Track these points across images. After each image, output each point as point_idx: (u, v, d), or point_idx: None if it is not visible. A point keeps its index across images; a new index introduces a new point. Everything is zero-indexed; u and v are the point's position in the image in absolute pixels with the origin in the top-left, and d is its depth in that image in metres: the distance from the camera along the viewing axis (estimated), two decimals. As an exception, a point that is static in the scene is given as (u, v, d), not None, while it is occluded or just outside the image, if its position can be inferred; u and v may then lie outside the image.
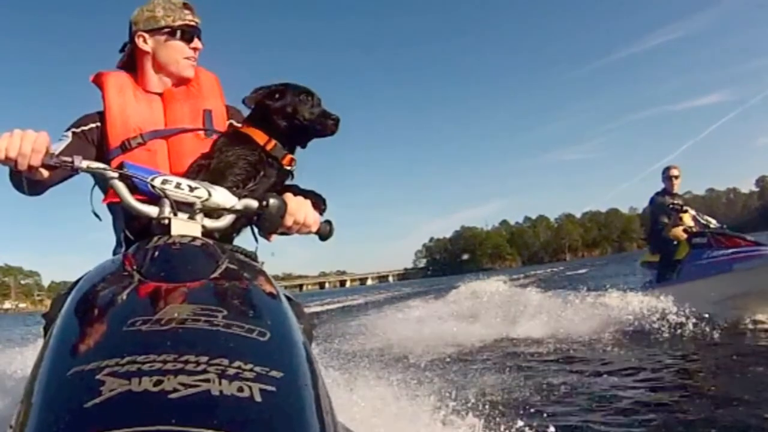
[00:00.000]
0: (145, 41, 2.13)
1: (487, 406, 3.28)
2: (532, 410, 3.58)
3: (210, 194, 1.60)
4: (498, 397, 3.98)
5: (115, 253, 1.99)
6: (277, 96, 1.92)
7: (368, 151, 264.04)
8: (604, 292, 8.57)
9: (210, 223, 1.62)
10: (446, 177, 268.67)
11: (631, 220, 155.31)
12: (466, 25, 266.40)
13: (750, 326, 6.49)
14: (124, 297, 1.13)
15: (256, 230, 1.86)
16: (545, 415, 3.43)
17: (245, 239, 1.90)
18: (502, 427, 2.93)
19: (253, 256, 1.72)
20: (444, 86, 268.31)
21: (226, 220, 1.67)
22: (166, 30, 2.11)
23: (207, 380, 0.84)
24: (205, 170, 1.87)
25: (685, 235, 8.37)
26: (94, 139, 2.04)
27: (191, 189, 1.59)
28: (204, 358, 0.88)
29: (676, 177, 8.80)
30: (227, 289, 1.22)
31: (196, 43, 2.14)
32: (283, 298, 1.32)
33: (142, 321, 0.98)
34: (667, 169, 8.91)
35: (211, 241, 1.47)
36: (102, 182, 1.97)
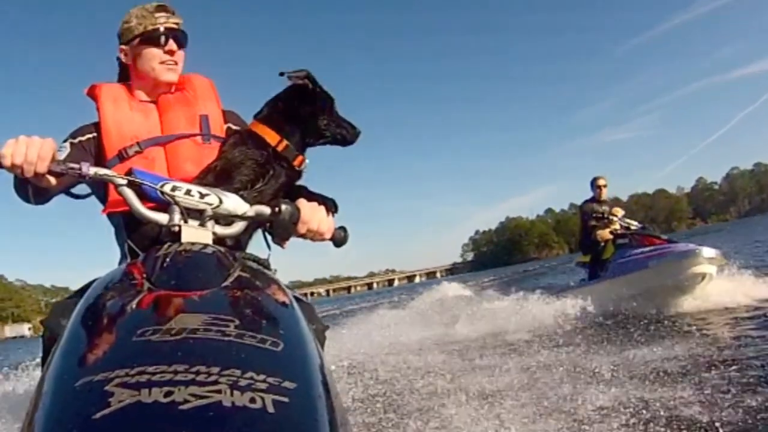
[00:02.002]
0: (126, 54, 2.13)
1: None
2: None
3: (221, 201, 1.58)
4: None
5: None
6: (305, 97, 1.90)
7: (411, 142, 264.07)
8: (540, 293, 10.22)
9: (221, 230, 1.60)
10: (492, 166, 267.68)
11: (679, 200, 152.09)
12: (505, 15, 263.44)
13: (666, 314, 7.77)
14: (134, 306, 1.12)
15: (269, 237, 1.83)
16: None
17: (258, 245, 1.89)
18: None
19: (265, 264, 1.69)
20: (485, 76, 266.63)
21: (237, 227, 1.65)
22: (139, 38, 2.09)
23: (218, 391, 0.83)
24: (212, 172, 1.85)
25: (610, 237, 9.83)
26: (92, 150, 2.04)
27: (202, 195, 1.57)
28: (215, 369, 0.87)
29: (604, 186, 10.36)
30: (239, 298, 1.21)
31: (171, 45, 2.09)
32: (296, 306, 1.30)
33: (152, 331, 0.98)
34: (595, 180, 10.42)
35: (222, 249, 1.45)
36: (101, 192, 1.98)
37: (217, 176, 1.82)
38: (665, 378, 4.09)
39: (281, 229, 1.71)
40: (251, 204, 1.65)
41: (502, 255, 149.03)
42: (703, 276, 8.16)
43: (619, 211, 10.11)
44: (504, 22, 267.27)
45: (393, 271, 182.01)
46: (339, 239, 1.83)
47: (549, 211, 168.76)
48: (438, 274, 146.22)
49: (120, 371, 0.86)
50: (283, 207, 1.66)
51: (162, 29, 2.07)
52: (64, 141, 2.01)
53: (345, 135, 1.95)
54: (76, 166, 1.59)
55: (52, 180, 1.70)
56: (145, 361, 0.88)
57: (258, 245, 1.88)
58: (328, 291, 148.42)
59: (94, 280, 1.48)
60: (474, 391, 4.35)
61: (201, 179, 1.83)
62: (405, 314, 11.61)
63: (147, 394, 0.80)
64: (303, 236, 1.76)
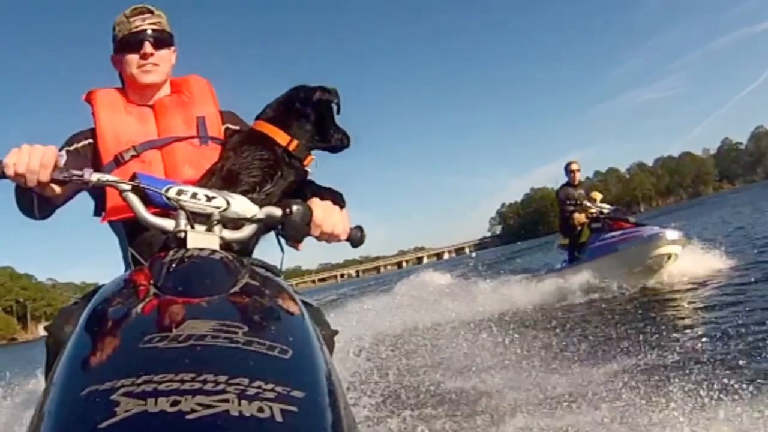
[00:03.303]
0: (115, 63, 2.16)
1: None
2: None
3: (229, 204, 1.54)
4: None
5: None
6: (312, 101, 1.90)
7: (442, 117, 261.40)
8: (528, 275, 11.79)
9: (229, 235, 1.56)
10: (525, 135, 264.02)
11: (704, 163, 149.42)
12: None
13: (634, 291, 8.99)
14: (140, 313, 1.11)
15: (282, 240, 1.78)
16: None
17: (271, 247, 1.87)
18: None
19: (274, 270, 1.66)
20: (508, 39, 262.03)
21: (246, 230, 1.60)
22: (118, 45, 2.10)
23: (226, 400, 0.81)
24: (217, 174, 1.83)
25: (586, 220, 10.77)
26: (88, 156, 2.04)
27: (209, 199, 1.53)
28: (223, 378, 0.86)
29: (577, 170, 11.14)
30: (247, 305, 1.19)
31: (145, 47, 2.07)
32: (305, 313, 1.27)
33: (159, 338, 0.96)
34: (568, 165, 11.24)
35: (229, 255, 1.42)
36: (99, 200, 1.95)
37: (224, 178, 1.80)
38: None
39: (293, 231, 1.65)
40: (260, 206, 1.61)
41: (529, 227, 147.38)
42: (669, 256, 9.38)
43: (598, 195, 11.08)
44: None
45: (422, 248, 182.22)
46: (355, 239, 1.78)
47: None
48: (467, 250, 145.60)
49: (126, 380, 0.84)
50: (294, 208, 1.61)
51: (137, 33, 2.07)
52: (60, 149, 1.99)
53: (343, 141, 1.95)
54: (78, 172, 1.58)
55: (56, 188, 1.71)
56: (151, 369, 0.87)
57: (271, 248, 1.88)
58: (358, 272, 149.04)
59: (99, 287, 1.46)
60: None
61: (205, 182, 1.81)
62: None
63: (153, 403, 0.79)
64: (317, 238, 1.71)
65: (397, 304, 10.68)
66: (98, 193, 1.96)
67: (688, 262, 9.46)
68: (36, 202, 1.76)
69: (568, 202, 10.88)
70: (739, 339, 4.62)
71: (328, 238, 1.71)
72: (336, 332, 1.77)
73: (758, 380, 3.41)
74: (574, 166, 11.14)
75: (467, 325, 6.97)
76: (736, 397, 3.18)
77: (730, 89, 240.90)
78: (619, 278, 9.26)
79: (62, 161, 1.84)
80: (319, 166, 1.96)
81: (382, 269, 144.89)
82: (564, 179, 11.34)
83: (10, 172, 1.58)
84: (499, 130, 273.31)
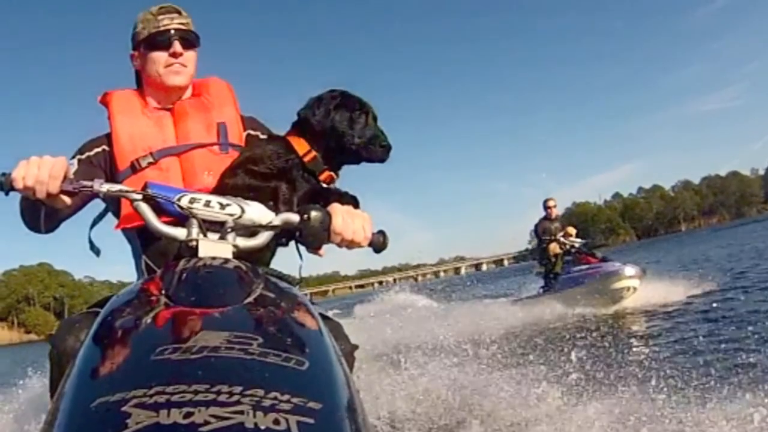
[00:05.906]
0: (134, 60, 2.11)
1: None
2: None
3: (243, 210, 1.52)
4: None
5: None
6: (324, 111, 1.83)
7: (490, 121, 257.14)
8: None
9: (243, 243, 1.53)
10: (571, 143, 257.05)
11: (751, 183, 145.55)
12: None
13: (600, 318, 10.02)
14: (152, 324, 1.10)
15: (301, 247, 1.73)
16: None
17: (289, 255, 1.85)
18: None
19: (289, 279, 1.64)
20: (562, 42, 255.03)
21: (261, 238, 1.57)
22: (143, 43, 2.04)
23: (241, 412, 0.79)
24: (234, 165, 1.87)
25: (560, 251, 12.29)
26: (102, 163, 2.01)
27: (222, 206, 1.50)
28: (238, 389, 0.84)
29: (554, 206, 12.86)
30: (262, 315, 1.17)
31: (175, 46, 2.02)
32: (322, 324, 1.25)
33: (171, 349, 0.95)
34: (545, 201, 12.88)
35: (243, 264, 1.40)
36: (115, 207, 1.92)
37: (235, 166, 1.83)
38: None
39: (312, 237, 1.60)
40: (276, 212, 1.58)
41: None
42: (628, 288, 10.87)
43: (572, 230, 12.42)
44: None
45: (462, 258, 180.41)
46: (377, 245, 1.70)
47: (616, 195, 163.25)
48: (505, 262, 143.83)
49: (138, 391, 0.83)
50: (313, 214, 1.56)
51: (165, 31, 2.02)
52: (72, 157, 1.99)
53: (364, 156, 1.86)
54: (88, 183, 1.57)
55: (66, 200, 1.67)
56: (163, 380, 0.86)
57: (290, 255, 1.88)
58: (395, 279, 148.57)
59: (109, 297, 1.45)
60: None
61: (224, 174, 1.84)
62: None
63: (166, 415, 0.77)
64: (337, 245, 1.65)
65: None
66: (113, 199, 1.92)
67: (648, 291, 10.95)
68: (43, 215, 1.74)
69: (543, 235, 12.44)
70: (687, 354, 5.67)
71: (349, 245, 1.65)
72: (356, 347, 1.70)
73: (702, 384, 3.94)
74: (550, 203, 12.80)
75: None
76: (690, 402, 3.55)
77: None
78: (585, 307, 10.67)
79: (72, 170, 1.81)
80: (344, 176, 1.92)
81: (419, 278, 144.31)
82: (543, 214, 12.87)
83: (19, 185, 1.55)
84: (551, 137, 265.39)
